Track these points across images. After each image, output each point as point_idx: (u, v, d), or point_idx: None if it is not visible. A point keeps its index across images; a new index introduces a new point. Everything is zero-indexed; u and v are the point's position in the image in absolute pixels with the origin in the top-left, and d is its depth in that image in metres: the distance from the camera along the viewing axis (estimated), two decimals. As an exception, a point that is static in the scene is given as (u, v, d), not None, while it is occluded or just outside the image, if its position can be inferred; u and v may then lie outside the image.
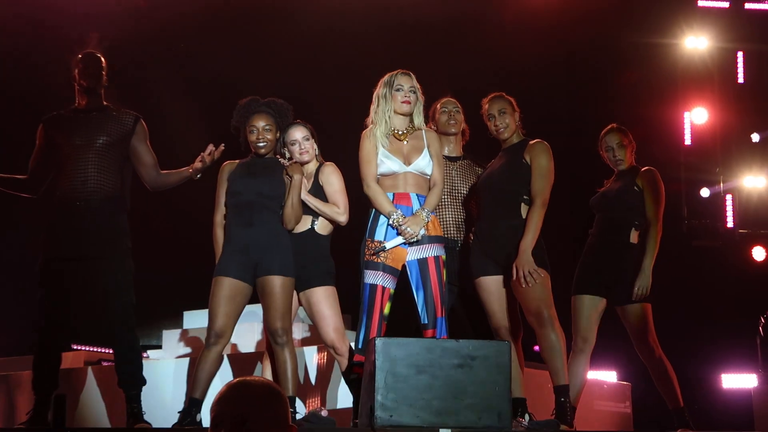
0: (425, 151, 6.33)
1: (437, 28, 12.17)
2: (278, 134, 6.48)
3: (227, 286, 6.21)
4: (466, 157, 6.90)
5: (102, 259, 6.59)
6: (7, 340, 9.93)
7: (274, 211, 6.32)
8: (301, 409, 6.80)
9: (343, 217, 6.49)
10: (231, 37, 11.71)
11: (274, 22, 11.86)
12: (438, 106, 6.91)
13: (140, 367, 6.73)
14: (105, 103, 6.88)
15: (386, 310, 6.18)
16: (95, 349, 9.76)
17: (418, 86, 6.38)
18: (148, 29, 11.32)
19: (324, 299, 6.38)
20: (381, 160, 6.29)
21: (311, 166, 6.58)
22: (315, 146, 6.58)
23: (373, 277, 6.18)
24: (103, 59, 6.88)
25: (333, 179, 6.52)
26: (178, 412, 6.26)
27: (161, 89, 11.10)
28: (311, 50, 11.58)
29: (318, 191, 6.48)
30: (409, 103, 6.34)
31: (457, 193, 6.75)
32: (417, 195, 6.26)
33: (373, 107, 6.42)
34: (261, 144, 6.40)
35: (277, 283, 6.19)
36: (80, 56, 6.87)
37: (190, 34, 11.56)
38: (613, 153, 7.07)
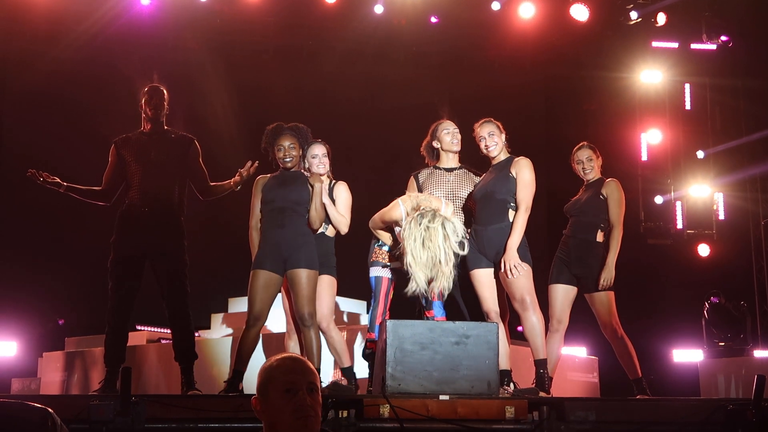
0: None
1: (435, 63, 12.19)
2: (301, 151, 6.49)
3: (263, 278, 6.22)
4: (463, 166, 6.87)
5: (162, 255, 6.62)
6: (84, 322, 9.94)
7: (301, 215, 6.33)
8: (326, 380, 6.79)
9: (345, 228, 6.62)
10: (271, 73, 11.74)
11: (300, 62, 11.90)
12: (439, 127, 6.85)
13: (193, 344, 6.75)
14: (166, 127, 6.92)
15: (391, 297, 6.35)
16: (156, 330, 9.75)
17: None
18: (203, 65, 11.38)
19: (324, 288, 6.47)
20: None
21: (325, 182, 6.61)
22: (329, 163, 6.61)
23: (380, 272, 6.30)
24: (165, 92, 6.91)
25: (344, 196, 6.64)
26: (224, 381, 6.26)
27: (214, 114, 11.15)
28: (328, 85, 11.60)
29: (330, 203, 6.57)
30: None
31: (454, 197, 6.71)
32: None
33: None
34: (287, 159, 6.42)
35: (303, 275, 6.20)
36: (147, 89, 6.92)
37: (236, 69, 11.60)
38: (583, 166, 7.06)
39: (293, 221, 6.30)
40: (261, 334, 7.81)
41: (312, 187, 6.34)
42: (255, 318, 6.22)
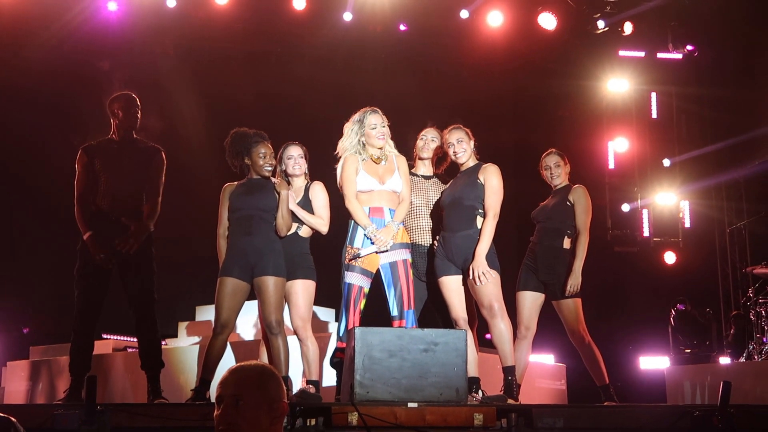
0: (396, 173, 6.38)
1: (404, 70, 12.20)
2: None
3: (230, 285, 6.19)
4: (438, 176, 6.89)
5: (129, 263, 6.57)
6: (49, 330, 9.85)
7: (268, 222, 6.30)
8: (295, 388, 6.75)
9: (325, 228, 6.55)
10: (240, 79, 11.69)
11: (269, 68, 11.87)
12: (421, 132, 6.91)
13: (159, 352, 6.71)
14: (135, 135, 6.87)
15: (362, 306, 6.27)
16: (122, 338, 9.68)
17: (384, 119, 6.43)
18: (171, 71, 11.31)
19: (301, 291, 6.40)
20: (359, 178, 6.37)
21: (300, 183, 6.60)
22: (305, 165, 6.60)
23: (351, 278, 6.25)
24: (134, 100, 6.86)
25: (320, 196, 6.58)
26: (191, 390, 6.21)
27: (182, 121, 11.09)
28: (298, 91, 11.57)
29: (307, 204, 6.52)
30: (383, 138, 6.41)
31: (432, 204, 6.75)
32: (389, 209, 6.33)
33: (347, 138, 6.45)
34: (268, 168, 6.37)
35: (270, 282, 6.17)
36: (120, 96, 6.87)
37: (204, 75, 11.54)
38: (551, 172, 7.08)
39: (261, 228, 6.27)
40: (231, 342, 7.79)
41: (279, 194, 6.30)
42: (222, 326, 6.18)
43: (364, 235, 6.26)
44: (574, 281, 6.74)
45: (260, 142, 6.39)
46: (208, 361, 6.18)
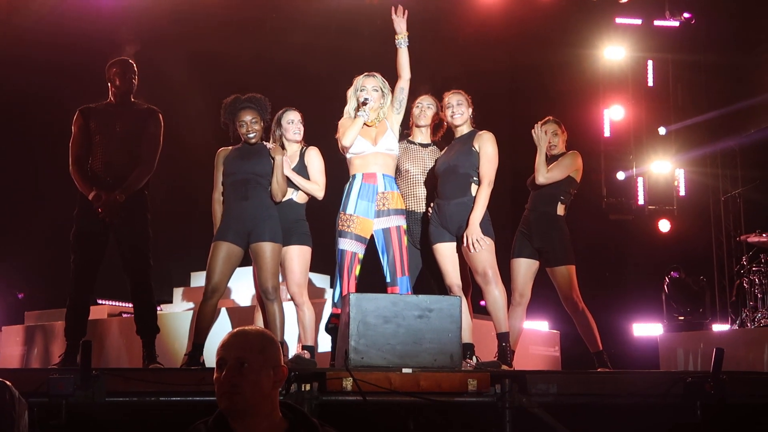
0: (389, 131, 6.39)
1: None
2: (263, 123, 6.43)
3: (224, 249, 6.18)
4: (436, 143, 6.87)
5: (126, 228, 6.55)
6: (44, 295, 9.84)
7: (265, 188, 6.29)
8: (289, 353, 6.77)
9: (320, 193, 6.54)
10: (236, 46, 11.61)
11: (264, 35, 11.79)
12: (416, 101, 6.88)
13: (155, 318, 6.70)
14: (132, 99, 6.84)
15: (357, 272, 6.25)
16: (117, 303, 9.68)
17: (382, 83, 6.40)
18: (166, 37, 11.22)
19: (296, 257, 6.40)
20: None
21: (295, 148, 6.59)
22: (303, 130, 6.58)
23: (345, 244, 6.23)
24: (130, 64, 6.82)
25: (315, 161, 6.56)
26: (184, 355, 6.22)
27: (178, 88, 11.02)
28: (293, 58, 11.50)
29: (302, 170, 6.51)
30: (374, 101, 6.39)
31: (428, 172, 6.74)
32: (383, 174, 6.30)
33: (348, 103, 6.45)
34: (251, 135, 6.36)
35: (267, 248, 6.17)
36: (117, 62, 6.83)
37: (199, 41, 11.46)
38: (549, 141, 7.04)
39: (257, 193, 6.26)
40: (226, 308, 7.80)
41: (273, 159, 6.28)
42: (212, 290, 6.17)
43: (358, 194, 6.26)
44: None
45: (244, 109, 6.38)
46: (200, 325, 6.19)
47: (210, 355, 6.08)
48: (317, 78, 11.39)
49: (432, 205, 6.51)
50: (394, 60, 6.41)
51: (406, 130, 6.81)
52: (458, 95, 6.55)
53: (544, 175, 6.79)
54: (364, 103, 6.31)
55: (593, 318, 6.86)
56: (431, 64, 11.73)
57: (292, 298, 6.42)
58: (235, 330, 3.07)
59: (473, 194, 6.32)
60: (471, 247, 6.18)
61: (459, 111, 6.49)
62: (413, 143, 6.83)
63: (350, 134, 6.29)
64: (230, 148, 6.47)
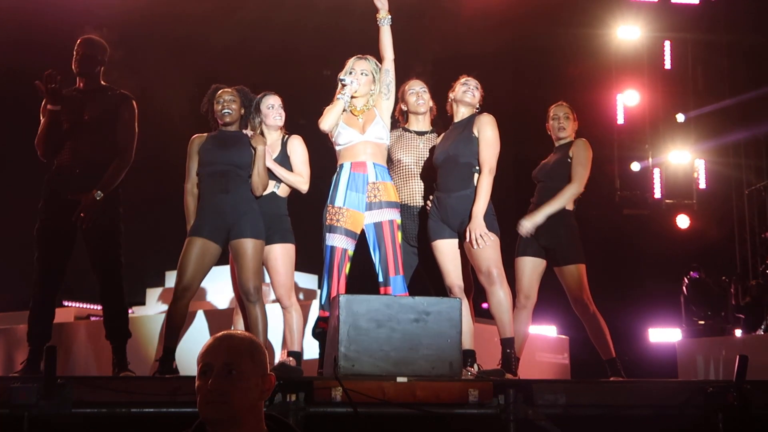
0: (377, 119, 6.40)
1: (396, 16, 12.09)
2: (242, 110, 6.42)
3: (199, 245, 6.15)
4: (434, 131, 6.86)
5: (95, 223, 6.52)
6: (6, 297, 9.83)
7: (245, 180, 6.26)
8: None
9: (305, 186, 6.52)
10: (213, 26, 11.61)
11: (247, 13, 11.79)
12: (406, 88, 6.85)
13: (126, 321, 6.68)
14: (103, 83, 6.81)
15: (347, 270, 6.23)
16: (85, 305, 9.68)
17: (375, 68, 6.40)
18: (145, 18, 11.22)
19: (281, 256, 6.37)
20: (339, 131, 6.38)
21: (276, 136, 6.57)
22: (285, 115, 6.57)
23: (333, 240, 6.22)
24: (98, 43, 6.79)
25: (299, 151, 6.55)
26: (155, 360, 6.20)
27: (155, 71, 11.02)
28: (286, 40, 11.50)
29: (284, 160, 6.48)
30: (360, 85, 6.39)
31: (424, 163, 6.71)
32: (374, 163, 6.30)
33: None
34: (226, 112, 6.32)
35: (249, 245, 6.14)
36: (79, 41, 6.80)
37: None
38: (559, 121, 7.03)
39: (238, 186, 6.23)
40: (204, 311, 7.79)
41: (255, 149, 6.25)
42: (183, 288, 6.12)
43: (347, 186, 6.26)
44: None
45: (221, 88, 6.40)
46: (171, 328, 6.15)
47: (183, 361, 6.08)
48: (303, 62, 11.39)
49: (431, 198, 6.49)
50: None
51: (399, 123, 6.82)
52: (475, 80, 6.57)
53: (573, 194, 6.80)
54: (344, 85, 6.31)
55: (605, 322, 6.85)
56: (429, 42, 11.74)
57: (278, 301, 6.40)
58: (221, 334, 3.06)
59: (476, 185, 6.31)
60: (474, 243, 6.15)
61: (474, 94, 6.49)
62: (408, 131, 6.81)
63: (327, 118, 6.30)
64: (205, 135, 6.44)
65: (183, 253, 6.17)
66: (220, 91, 6.38)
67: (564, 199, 6.76)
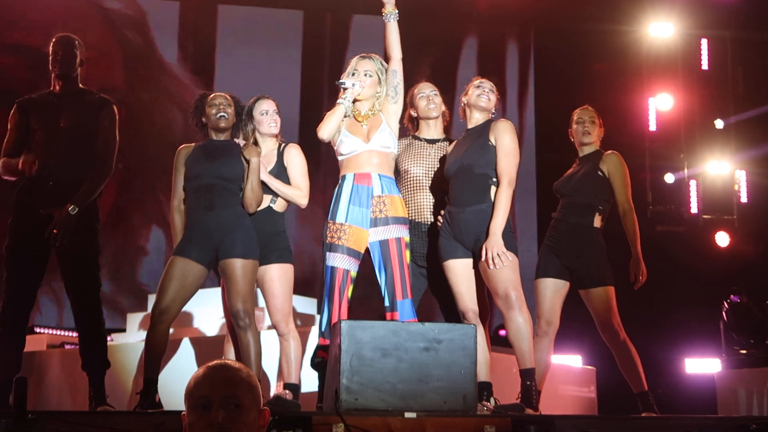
0: (383, 125, 6.37)
1: (405, 8, 12.15)
2: (236, 117, 6.44)
3: (181, 266, 6.16)
4: (447, 138, 6.86)
5: (70, 240, 6.52)
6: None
7: (234, 194, 6.26)
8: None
9: (304, 200, 6.52)
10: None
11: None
12: (415, 91, 6.85)
13: (105, 350, 6.68)
14: (81, 86, 6.83)
15: (349, 293, 6.20)
16: (58, 332, 9.68)
17: (380, 68, 6.40)
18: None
19: (278, 278, 6.38)
20: (341, 140, 6.36)
21: (271, 145, 6.56)
22: (280, 122, 6.58)
23: (334, 260, 6.20)
24: (77, 42, 6.80)
25: (297, 161, 6.54)
26: (137, 393, 6.20)
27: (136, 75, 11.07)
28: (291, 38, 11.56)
29: (281, 171, 6.47)
30: (363, 87, 6.39)
31: (434, 174, 6.71)
32: (379, 174, 6.26)
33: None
34: (221, 116, 6.34)
35: (238, 266, 6.14)
36: (54, 40, 6.81)
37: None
38: (584, 125, 7.07)
39: (225, 202, 6.22)
40: (190, 338, 7.79)
41: (248, 162, 6.24)
42: (161, 312, 6.12)
43: (349, 203, 6.25)
44: (639, 269, 6.88)
45: (215, 95, 6.42)
46: (151, 357, 6.15)
47: (167, 394, 6.09)
48: (312, 53, 11.44)
49: (442, 213, 6.49)
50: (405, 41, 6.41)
51: (408, 131, 6.82)
52: (490, 83, 6.58)
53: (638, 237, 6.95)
54: (345, 89, 6.32)
55: (637, 351, 6.85)
56: (439, 37, 11.77)
57: (275, 327, 6.39)
58: (215, 364, 3.07)
59: (493, 199, 6.30)
60: (491, 262, 6.14)
61: (489, 97, 6.49)
62: (418, 139, 6.81)
63: (325, 125, 6.30)
64: (193, 145, 6.45)
65: (164, 274, 6.19)
66: (212, 95, 6.40)
67: (637, 228, 7.01)
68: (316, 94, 11.91)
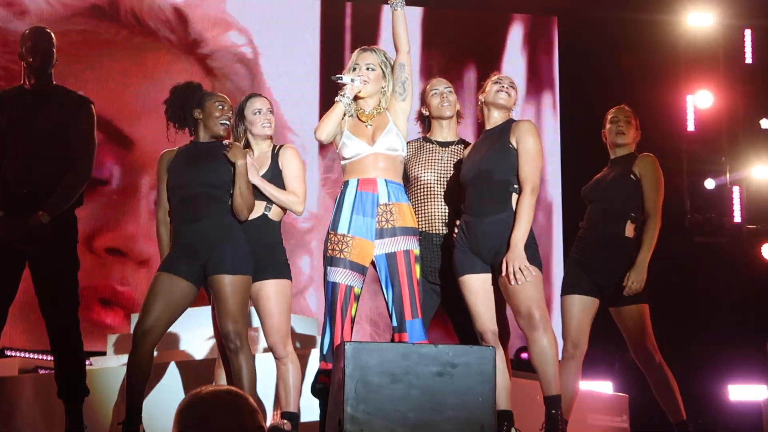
0: (390, 125, 6.32)
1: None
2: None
3: (166, 282, 6.13)
4: (462, 141, 6.84)
5: (45, 253, 6.53)
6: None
7: (222, 202, 6.21)
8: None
9: (300, 207, 6.49)
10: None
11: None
12: (427, 87, 6.84)
13: (83, 375, 6.68)
14: (55, 83, 6.83)
15: (353, 312, 6.16)
16: (31, 356, 9.69)
17: (384, 60, 6.38)
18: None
19: (274, 295, 6.36)
20: (343, 142, 6.32)
21: (265, 147, 6.56)
22: (274, 122, 6.59)
23: (336, 275, 6.16)
24: (52, 36, 6.81)
25: (293, 164, 6.52)
26: (118, 424, 6.20)
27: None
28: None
29: (276, 175, 6.45)
30: (366, 82, 6.35)
31: (448, 181, 6.69)
32: (387, 180, 6.23)
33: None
34: (224, 122, 6.32)
35: (227, 282, 6.10)
36: (28, 32, 6.82)
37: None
38: (618, 125, 7.06)
39: (210, 212, 6.19)
40: (176, 362, 7.80)
41: (234, 164, 6.20)
42: (144, 332, 6.09)
43: (352, 212, 6.22)
44: (637, 276, 6.73)
45: (216, 94, 6.39)
46: (135, 382, 6.12)
47: (152, 422, 6.09)
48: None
49: (458, 223, 6.48)
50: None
51: (419, 133, 6.81)
52: (509, 78, 6.56)
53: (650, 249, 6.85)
54: (343, 84, 6.29)
55: (674, 376, 6.84)
56: (449, 28, 11.79)
57: (271, 350, 6.39)
58: (222, 390, 3.09)
59: (514, 208, 6.28)
60: (512, 277, 6.12)
61: (509, 93, 6.46)
62: (430, 141, 6.79)
63: (323, 125, 6.24)
64: (175, 149, 6.42)
65: (148, 291, 6.17)
66: (215, 96, 6.37)
67: (654, 238, 6.87)
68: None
